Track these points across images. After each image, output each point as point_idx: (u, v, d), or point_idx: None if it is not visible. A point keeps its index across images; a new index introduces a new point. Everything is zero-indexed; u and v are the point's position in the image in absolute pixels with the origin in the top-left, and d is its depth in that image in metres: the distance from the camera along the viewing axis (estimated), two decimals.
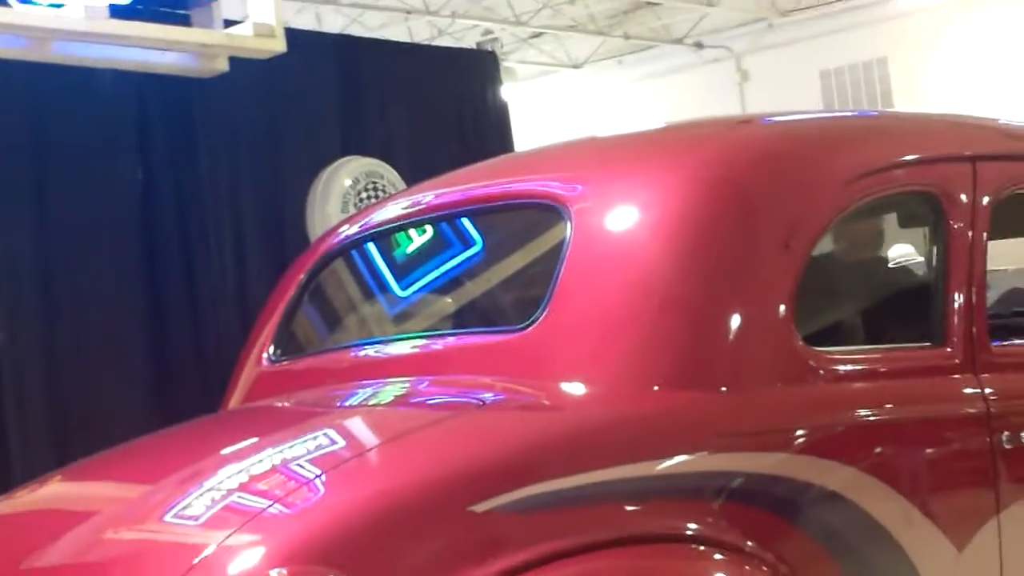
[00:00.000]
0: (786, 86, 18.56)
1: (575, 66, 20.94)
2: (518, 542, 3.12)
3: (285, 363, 4.52)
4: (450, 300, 4.59)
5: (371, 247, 4.60)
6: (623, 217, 3.83)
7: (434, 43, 17.64)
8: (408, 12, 17.05)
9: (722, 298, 3.68)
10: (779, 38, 19.39)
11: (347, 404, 4.01)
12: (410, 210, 4.52)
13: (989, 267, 4.15)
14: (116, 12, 6.28)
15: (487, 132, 12.90)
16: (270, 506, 3.15)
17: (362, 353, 4.35)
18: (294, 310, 4.61)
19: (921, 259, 4.53)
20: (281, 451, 3.52)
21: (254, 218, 11.06)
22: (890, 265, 4.89)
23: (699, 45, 20.06)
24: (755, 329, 3.67)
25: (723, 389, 3.60)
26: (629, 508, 3.33)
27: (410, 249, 4.56)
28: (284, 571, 2.86)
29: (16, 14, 5.94)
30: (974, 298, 4.05)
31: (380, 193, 11.05)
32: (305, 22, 15.69)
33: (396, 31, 17.17)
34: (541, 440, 3.43)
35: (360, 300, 4.76)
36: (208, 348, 10.36)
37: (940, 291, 4.05)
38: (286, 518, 3.11)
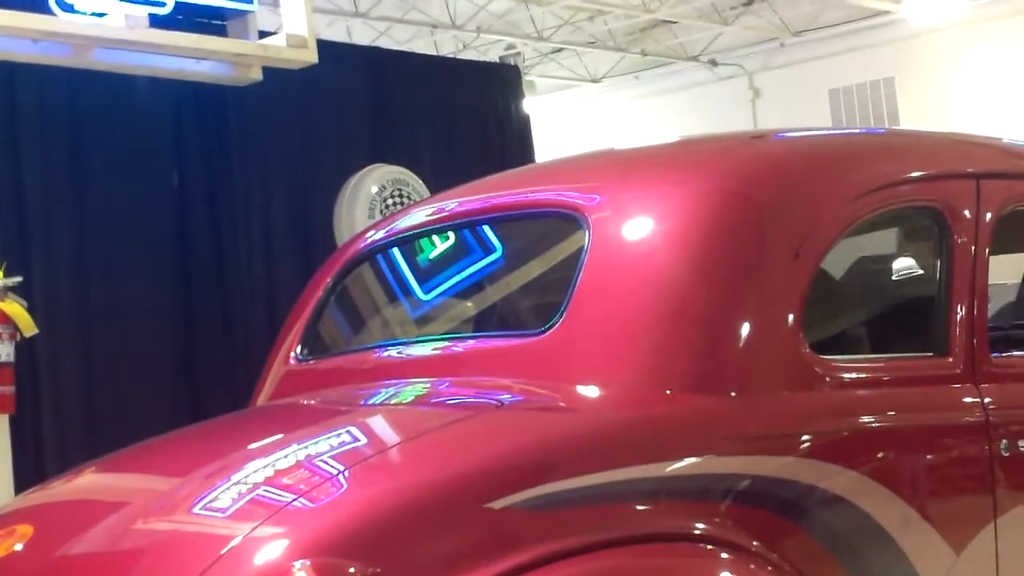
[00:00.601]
0: (796, 103, 18.55)
1: (594, 81, 20.93)
2: (532, 539, 3.11)
3: (311, 362, 4.52)
4: (471, 304, 4.59)
5: (396, 252, 4.59)
6: (639, 227, 3.82)
7: (459, 56, 17.63)
8: (434, 26, 17.04)
9: (733, 306, 3.67)
10: (790, 57, 19.37)
11: (370, 403, 4.01)
12: (434, 217, 4.51)
13: (990, 281, 4.14)
14: (155, 22, 6.30)
15: (509, 143, 12.91)
16: (294, 500, 3.15)
17: (385, 354, 4.35)
18: (321, 311, 4.61)
19: (925, 272, 4.52)
20: (306, 447, 3.53)
21: (284, 222, 11.09)
22: (894, 277, 4.87)
23: (713, 63, 20.03)
24: (764, 336, 3.66)
25: (732, 394, 3.60)
26: (640, 508, 3.32)
27: (433, 255, 4.56)
28: (307, 563, 2.85)
29: (60, 22, 5.95)
30: (975, 311, 4.03)
31: (405, 200, 11.06)
32: (336, 34, 15.70)
33: (422, 44, 17.17)
34: (556, 440, 3.42)
35: (384, 303, 4.75)
36: (238, 346, 10.40)
37: (943, 303, 4.04)
38: (310, 512, 3.11)
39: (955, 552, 3.79)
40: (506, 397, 3.74)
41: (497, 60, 15.93)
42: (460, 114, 12.57)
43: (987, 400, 3.96)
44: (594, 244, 3.79)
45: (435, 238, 4.54)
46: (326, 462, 3.39)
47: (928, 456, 3.88)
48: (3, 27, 5.82)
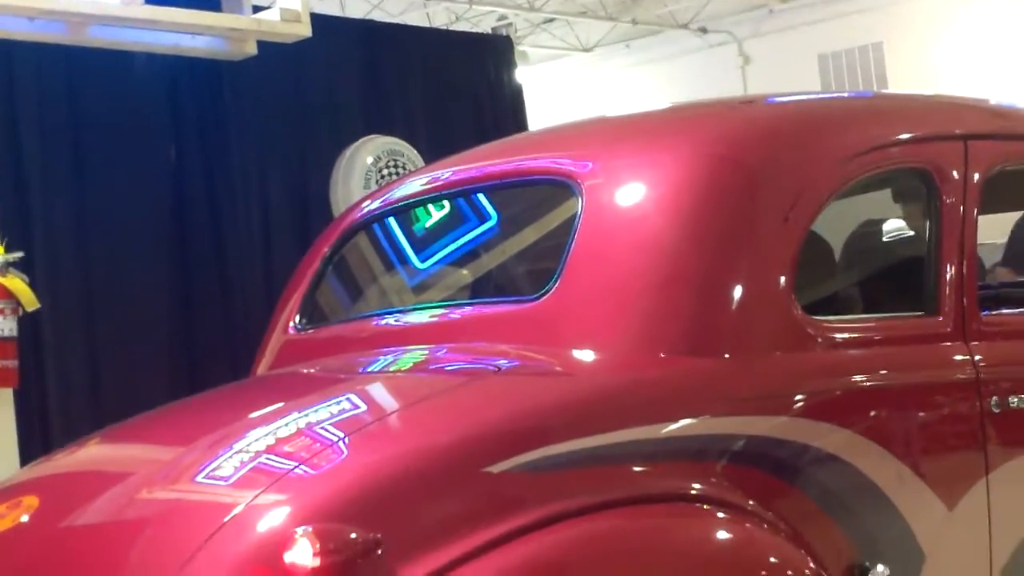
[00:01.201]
0: (786, 69, 18.53)
1: (586, 50, 20.89)
2: (531, 502, 3.12)
3: (310, 331, 4.53)
4: (466, 272, 4.59)
5: (392, 221, 4.60)
6: (632, 193, 3.83)
7: (451, 28, 17.59)
8: None
9: (725, 269, 3.67)
10: (779, 23, 19.35)
11: (368, 370, 4.02)
12: (428, 186, 4.51)
13: (980, 241, 4.14)
14: None
15: (502, 113, 12.89)
16: (296, 467, 3.17)
17: (383, 322, 4.35)
18: (319, 281, 4.61)
19: (914, 233, 4.52)
20: (306, 415, 3.54)
21: (280, 194, 11.09)
22: (885, 238, 4.88)
23: (703, 30, 20.00)
24: (756, 298, 3.67)
25: (726, 356, 3.60)
26: (637, 469, 3.33)
27: (428, 223, 4.56)
28: (309, 529, 2.86)
29: (56, 0, 5.94)
30: (965, 270, 4.04)
31: (400, 170, 11.04)
32: (329, 8, 15.66)
33: (415, 16, 17.13)
34: (553, 405, 3.43)
35: (381, 272, 4.76)
36: (237, 317, 10.39)
37: (933, 263, 4.04)
38: (311, 479, 3.12)
39: (948, 508, 3.80)
40: (503, 362, 3.74)
41: (489, 31, 15.92)
42: (453, 85, 12.56)
43: (977, 358, 3.96)
44: (587, 210, 3.79)
45: (430, 207, 4.54)
46: (326, 429, 3.40)
47: (920, 414, 3.89)
48: (1, 6, 5.81)
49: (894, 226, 4.87)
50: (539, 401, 3.46)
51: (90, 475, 3.75)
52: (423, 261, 4.57)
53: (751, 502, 3.41)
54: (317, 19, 9.27)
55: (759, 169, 3.86)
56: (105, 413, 8.56)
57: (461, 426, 3.30)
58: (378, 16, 16.15)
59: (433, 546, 2.98)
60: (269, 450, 3.29)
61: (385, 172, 11.09)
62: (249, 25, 6.97)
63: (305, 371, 4.23)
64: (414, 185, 4.59)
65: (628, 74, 20.61)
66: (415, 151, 11.41)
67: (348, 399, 3.69)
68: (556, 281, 3.73)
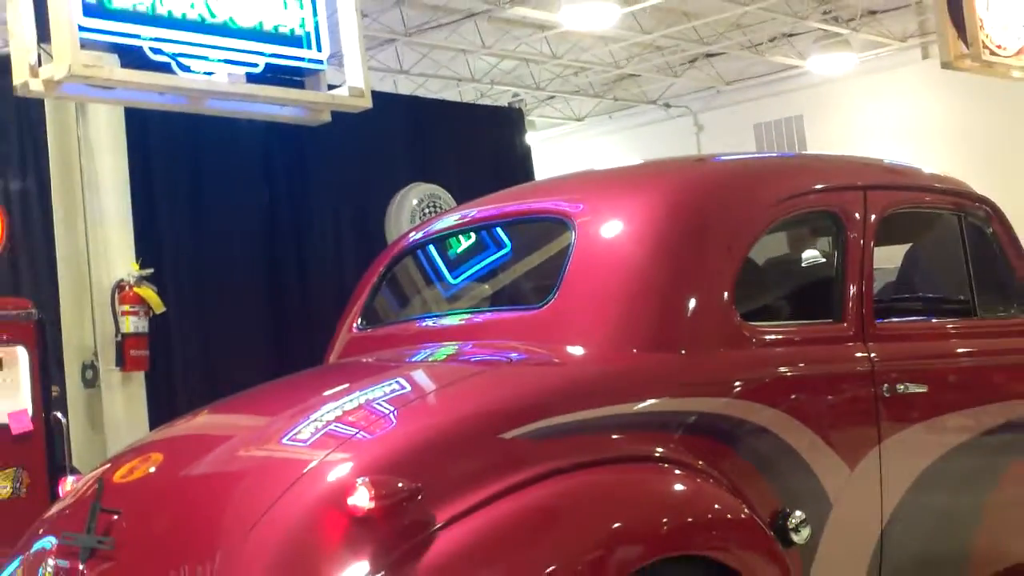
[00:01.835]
0: (730, 135, 18.49)
1: (579, 119, 20.85)
2: (534, 460, 3.13)
3: (368, 331, 4.52)
4: (487, 286, 4.58)
5: (431, 248, 4.59)
6: (612, 228, 3.82)
7: (477, 102, 17.62)
8: (459, 80, 17.00)
9: (682, 286, 3.67)
10: (725, 100, 19.31)
11: (412, 360, 4.01)
12: (459, 221, 4.51)
13: (876, 266, 4.13)
14: (251, 78, 6.30)
15: (515, 167, 12.90)
16: (357, 433, 3.18)
17: (424, 324, 4.34)
18: (376, 292, 4.60)
19: (826, 259, 4.50)
20: (365, 393, 3.54)
21: (348, 226, 11.18)
22: (803, 264, 4.86)
23: (667, 105, 19.96)
24: (705, 308, 3.66)
25: (683, 352, 3.60)
26: (614, 437, 3.33)
27: (459, 249, 4.55)
28: (366, 479, 2.87)
29: (180, 80, 5.98)
30: (864, 288, 4.03)
31: (438, 209, 11.05)
32: (385, 87, 15.68)
33: (450, 94, 17.13)
34: (551, 387, 3.43)
35: (423, 285, 4.75)
36: (314, 320, 10.39)
37: (840, 282, 4.03)
38: (368, 442, 3.13)
39: (850, 468, 3.79)
40: (513, 355, 3.73)
41: (506, 105, 15.94)
42: (478, 145, 12.58)
43: (873, 355, 3.95)
44: (579, 241, 3.79)
45: (460, 237, 4.53)
46: (380, 404, 3.40)
47: (829, 397, 3.87)
48: (139, 84, 5.85)
49: (810, 254, 4.85)
50: (540, 384, 3.46)
51: (201, 437, 3.75)
52: (455, 278, 4.56)
53: (701, 462, 3.41)
54: (376, 95, 9.24)
55: (709, 211, 3.85)
56: (214, 390, 8.58)
57: (481, 403, 3.31)
58: (422, 93, 16.15)
59: (460, 493, 2.99)
60: (337, 420, 3.30)
61: (426, 211, 11.11)
62: (325, 99, 6.96)
63: (364, 361, 4.23)
64: (448, 220, 4.59)
65: (610, 138, 20.57)
66: (449, 195, 11.44)
67: (397, 382, 3.69)
68: (554, 294, 3.73)
